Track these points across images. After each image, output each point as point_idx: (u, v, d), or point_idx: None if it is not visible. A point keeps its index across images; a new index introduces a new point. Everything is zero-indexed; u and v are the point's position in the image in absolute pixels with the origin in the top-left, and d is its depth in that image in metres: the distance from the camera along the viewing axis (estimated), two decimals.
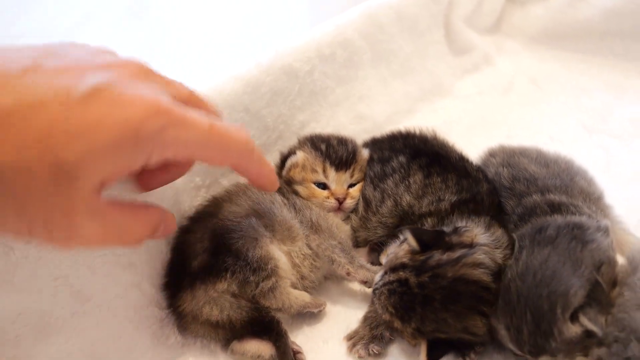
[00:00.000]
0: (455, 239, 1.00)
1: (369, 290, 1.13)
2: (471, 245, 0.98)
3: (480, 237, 1.01)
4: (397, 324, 0.99)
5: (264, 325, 1.03)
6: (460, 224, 1.07)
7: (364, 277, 1.12)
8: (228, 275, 1.02)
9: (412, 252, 1.00)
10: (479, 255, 0.97)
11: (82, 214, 0.62)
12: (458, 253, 0.97)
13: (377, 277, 1.04)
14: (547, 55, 2.03)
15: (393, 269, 1.01)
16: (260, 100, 1.32)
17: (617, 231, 1.15)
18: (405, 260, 1.00)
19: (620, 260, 1.02)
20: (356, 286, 1.19)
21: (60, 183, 0.58)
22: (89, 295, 0.99)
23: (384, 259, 1.07)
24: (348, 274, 1.12)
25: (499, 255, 1.01)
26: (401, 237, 1.06)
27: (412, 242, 1.00)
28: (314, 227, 1.15)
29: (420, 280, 0.96)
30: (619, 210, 1.20)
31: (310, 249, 1.13)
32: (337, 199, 1.21)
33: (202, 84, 1.23)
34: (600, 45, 1.96)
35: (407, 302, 0.96)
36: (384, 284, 1.00)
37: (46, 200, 0.59)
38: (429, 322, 0.95)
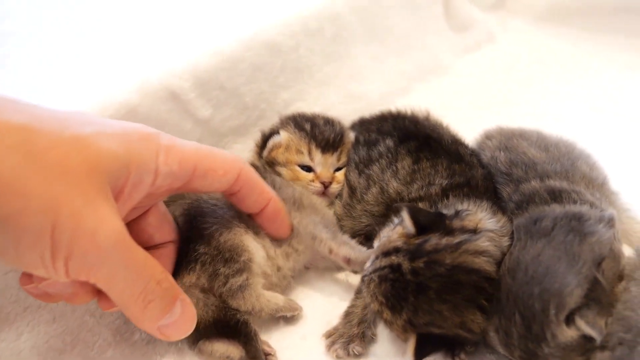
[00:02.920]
0: (456, 223, 0.89)
1: (353, 280, 1.06)
2: (475, 231, 0.88)
3: (486, 222, 0.92)
4: (386, 314, 0.88)
5: (229, 328, 0.94)
6: (461, 206, 0.97)
7: (347, 253, 1.02)
8: (198, 267, 0.94)
9: (408, 235, 0.90)
10: (483, 242, 0.87)
11: None
12: (459, 238, 0.86)
13: (368, 263, 0.94)
14: (554, 33, 1.94)
15: (385, 253, 0.90)
16: (239, 76, 1.25)
17: (624, 219, 1.07)
18: (398, 243, 0.89)
19: (629, 251, 0.93)
20: (339, 276, 1.10)
21: None
22: None
23: (376, 243, 0.97)
24: (330, 251, 1.03)
25: (505, 243, 0.91)
26: (396, 220, 0.96)
27: (407, 222, 0.89)
28: (296, 204, 1.06)
29: (415, 266, 0.85)
30: (630, 196, 1.12)
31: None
32: (323, 183, 1.14)
33: (177, 59, 1.18)
34: (610, 22, 1.88)
35: (399, 291, 0.85)
36: (374, 270, 0.90)
37: None
38: (422, 313, 0.84)
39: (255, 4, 1.40)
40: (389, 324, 0.89)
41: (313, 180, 1.14)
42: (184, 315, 0.76)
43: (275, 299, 0.99)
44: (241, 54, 1.25)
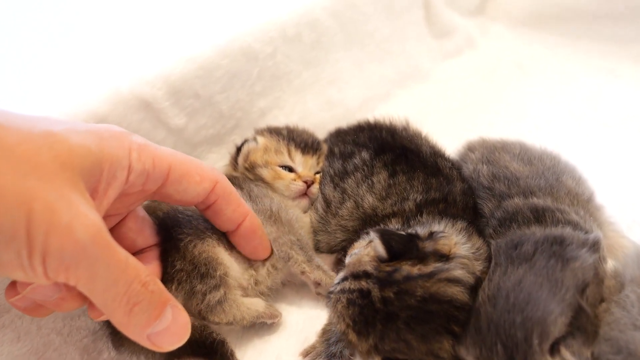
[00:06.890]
0: (429, 245, 0.86)
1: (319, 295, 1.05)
2: (448, 257, 0.86)
3: (460, 247, 0.89)
4: (352, 337, 0.85)
5: (205, 348, 0.91)
6: (437, 227, 0.94)
7: (318, 278, 1.02)
8: (174, 287, 0.91)
9: (379, 259, 0.87)
10: (456, 271, 0.84)
11: None
12: (431, 267, 0.83)
13: (336, 279, 0.92)
14: (534, 39, 1.95)
15: (355, 275, 0.87)
16: (214, 84, 1.22)
17: (609, 234, 1.05)
18: (369, 268, 0.86)
19: (612, 264, 0.91)
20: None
21: None
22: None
23: (348, 258, 0.94)
24: (303, 272, 1.02)
25: (478, 267, 0.89)
26: (372, 234, 0.92)
27: (379, 248, 0.87)
28: (273, 217, 1.04)
29: (385, 295, 0.82)
30: (608, 201, 1.10)
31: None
32: (305, 182, 1.13)
33: (149, 66, 1.15)
34: (590, 29, 1.89)
35: (367, 317, 0.83)
36: (343, 291, 0.87)
37: None
38: (389, 341, 0.82)
39: (231, 10, 1.38)
40: (353, 345, 0.87)
41: (295, 179, 1.13)
42: (176, 322, 0.71)
43: (255, 305, 0.98)
44: (217, 61, 1.22)
